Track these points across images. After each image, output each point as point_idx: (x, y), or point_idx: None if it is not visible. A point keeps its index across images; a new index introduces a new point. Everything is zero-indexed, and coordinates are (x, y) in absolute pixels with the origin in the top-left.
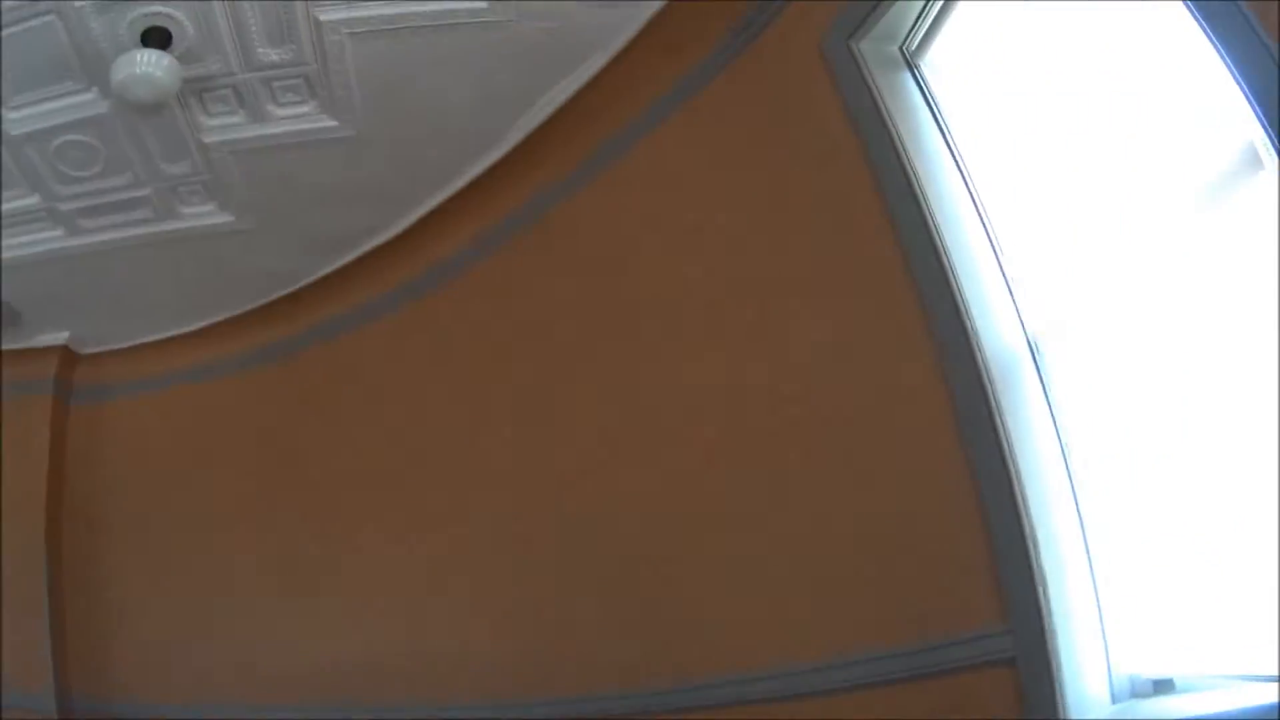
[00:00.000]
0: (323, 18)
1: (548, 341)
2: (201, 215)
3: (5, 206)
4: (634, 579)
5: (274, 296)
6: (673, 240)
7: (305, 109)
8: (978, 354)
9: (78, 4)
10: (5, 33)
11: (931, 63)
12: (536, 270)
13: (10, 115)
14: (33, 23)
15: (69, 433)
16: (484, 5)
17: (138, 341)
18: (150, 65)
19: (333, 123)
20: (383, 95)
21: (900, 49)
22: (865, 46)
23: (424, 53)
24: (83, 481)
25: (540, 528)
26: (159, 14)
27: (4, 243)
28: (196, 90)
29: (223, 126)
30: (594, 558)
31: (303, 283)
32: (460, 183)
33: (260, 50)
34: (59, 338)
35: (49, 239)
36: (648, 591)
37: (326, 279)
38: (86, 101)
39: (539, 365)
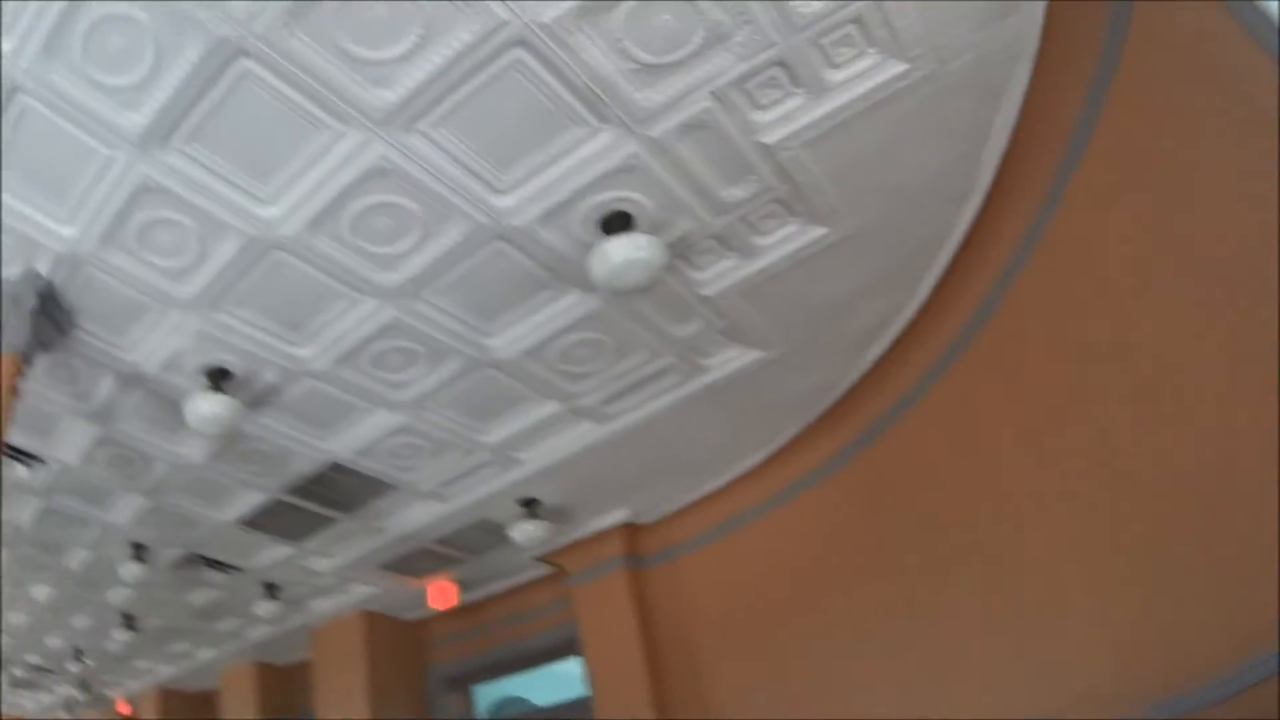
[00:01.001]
0: (768, 141)
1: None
2: (728, 360)
3: (522, 422)
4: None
5: (819, 412)
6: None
7: (791, 228)
8: None
9: (516, 224)
10: (459, 272)
11: None
12: (1050, 296)
13: (493, 343)
14: (482, 255)
15: (648, 595)
16: (905, 67)
17: (695, 496)
18: (630, 250)
19: (822, 230)
20: (855, 186)
21: None
22: None
23: (874, 132)
24: (672, 632)
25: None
26: (612, 200)
27: (533, 451)
28: (679, 252)
29: (718, 275)
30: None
31: (844, 388)
32: (957, 238)
33: (724, 194)
34: (618, 517)
35: (581, 434)
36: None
37: (865, 377)
38: (572, 304)
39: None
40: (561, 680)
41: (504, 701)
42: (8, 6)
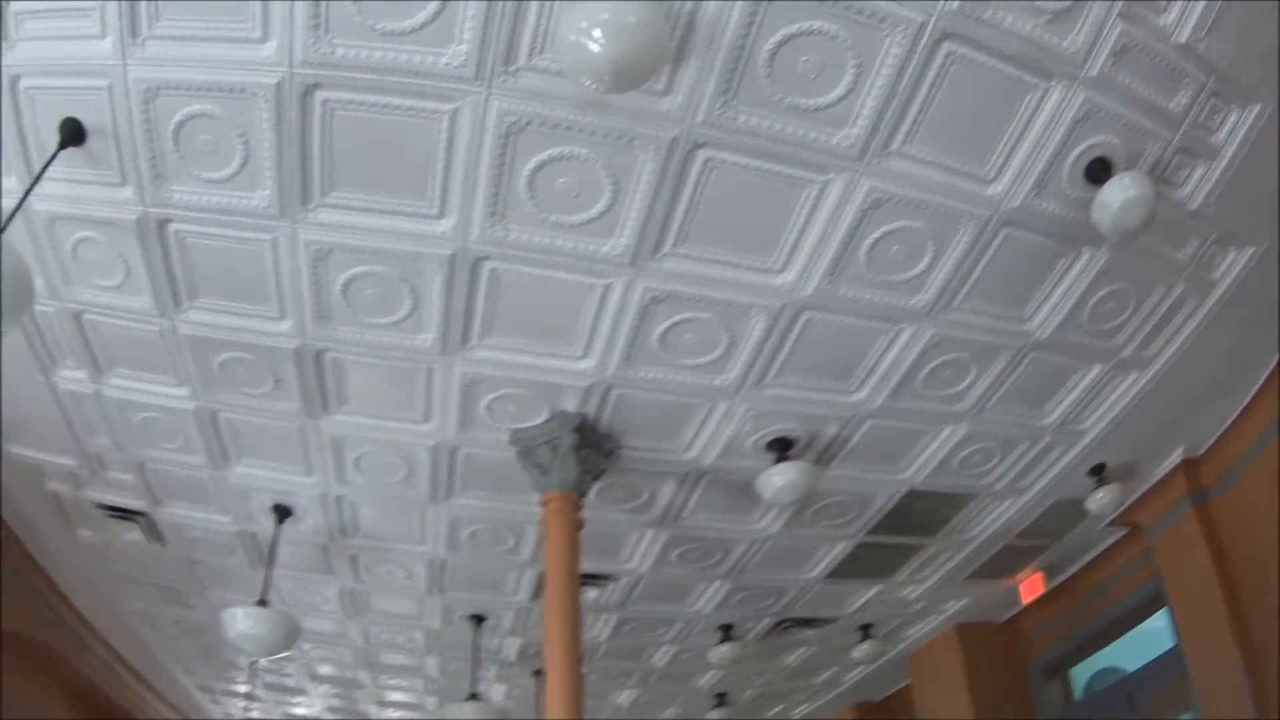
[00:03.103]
0: (1183, 39)
1: None
2: (1230, 267)
3: (1075, 393)
4: None
5: None
6: None
7: (1233, 117)
8: None
9: (1016, 205)
10: (980, 270)
11: None
12: None
13: (1030, 326)
14: (995, 246)
15: (1220, 529)
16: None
17: (1235, 412)
18: (1122, 191)
19: (1257, 106)
20: (1261, 50)
21: None
22: None
23: None
24: (1249, 562)
25: None
26: (1085, 150)
27: (1091, 418)
28: (1158, 176)
29: (1196, 186)
30: None
31: None
32: None
33: (1171, 105)
34: (1176, 457)
35: (1129, 386)
36: None
37: None
38: (1086, 263)
39: None
40: (1150, 639)
41: (1097, 675)
42: (433, 190)
